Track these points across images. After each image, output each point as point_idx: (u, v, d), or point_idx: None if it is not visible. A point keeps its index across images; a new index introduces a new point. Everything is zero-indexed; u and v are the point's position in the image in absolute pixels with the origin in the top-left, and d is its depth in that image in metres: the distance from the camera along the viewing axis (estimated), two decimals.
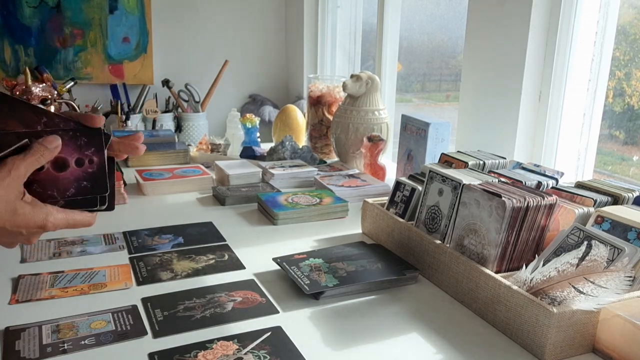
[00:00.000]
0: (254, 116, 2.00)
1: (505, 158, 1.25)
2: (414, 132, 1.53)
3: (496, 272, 0.87)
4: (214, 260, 1.07)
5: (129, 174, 1.62)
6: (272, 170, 1.60)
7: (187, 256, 1.08)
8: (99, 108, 2.36)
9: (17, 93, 2.18)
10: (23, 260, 1.04)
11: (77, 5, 2.37)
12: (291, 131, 2.02)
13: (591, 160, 1.35)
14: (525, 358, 0.77)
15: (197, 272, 1.01)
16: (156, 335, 0.80)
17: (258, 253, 1.11)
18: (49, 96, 2.21)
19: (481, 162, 1.22)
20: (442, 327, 0.85)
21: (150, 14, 2.46)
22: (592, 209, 0.93)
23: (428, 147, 1.47)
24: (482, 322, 0.86)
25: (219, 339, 0.79)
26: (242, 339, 0.79)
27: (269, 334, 0.81)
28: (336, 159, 1.88)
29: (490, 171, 1.16)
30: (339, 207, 1.34)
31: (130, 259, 1.07)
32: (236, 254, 1.10)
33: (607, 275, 0.75)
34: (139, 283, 0.97)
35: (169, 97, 2.46)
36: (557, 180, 1.08)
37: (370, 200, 1.22)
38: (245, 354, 0.76)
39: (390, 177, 1.63)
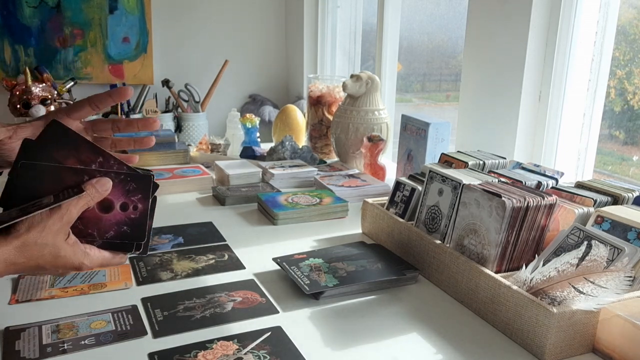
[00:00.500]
0: (254, 116, 2.00)
1: (505, 158, 1.25)
2: (414, 132, 1.53)
3: (496, 272, 0.87)
4: (214, 260, 1.07)
5: None
6: (272, 170, 1.60)
7: (187, 256, 1.08)
8: None
9: (17, 93, 2.18)
10: None
11: (77, 5, 2.37)
12: (291, 131, 2.02)
13: (591, 160, 1.35)
14: (525, 358, 0.77)
15: (197, 272, 1.01)
16: (156, 335, 0.80)
17: (258, 253, 1.11)
18: (49, 96, 2.21)
19: (481, 162, 1.22)
20: (442, 327, 0.85)
21: (150, 14, 2.47)
22: (592, 209, 0.93)
23: (428, 147, 1.47)
24: (482, 322, 0.86)
25: (219, 339, 0.79)
26: (242, 339, 0.79)
27: (269, 334, 0.81)
28: (336, 159, 1.88)
29: (490, 171, 1.16)
30: (339, 207, 1.34)
31: (130, 259, 1.07)
32: (236, 254, 1.10)
33: (607, 275, 0.75)
34: (139, 283, 0.97)
35: (169, 97, 2.47)
36: (557, 180, 1.08)
37: (370, 200, 1.22)
38: (245, 354, 0.76)
39: (390, 177, 1.63)
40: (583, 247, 0.77)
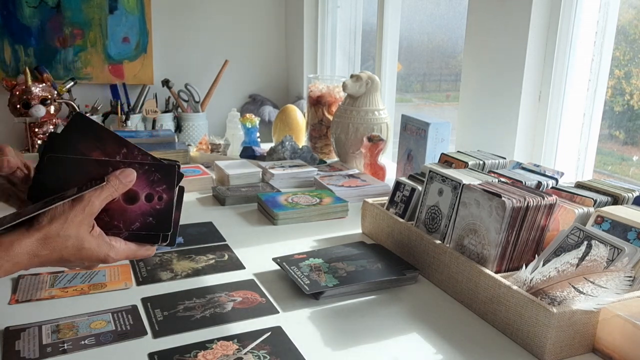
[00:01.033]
0: (253, 116, 2.00)
1: (505, 158, 1.25)
2: (414, 132, 1.53)
3: (496, 272, 0.87)
4: (214, 260, 1.07)
5: None
6: (272, 170, 1.60)
7: (187, 256, 1.08)
8: (98, 108, 2.36)
9: (17, 93, 2.18)
10: None
11: (77, 5, 2.37)
12: (291, 131, 2.02)
13: (591, 160, 1.35)
14: (525, 358, 0.77)
15: (197, 272, 1.01)
16: (156, 335, 0.80)
17: (258, 253, 1.11)
18: (49, 96, 2.21)
19: (481, 162, 1.22)
20: (442, 327, 0.85)
21: (150, 14, 2.47)
22: (592, 209, 0.93)
23: (428, 147, 1.47)
24: (482, 322, 0.86)
25: (219, 339, 0.79)
26: (242, 339, 0.79)
27: (268, 334, 0.81)
28: (336, 159, 1.88)
29: (490, 171, 1.16)
30: (339, 207, 1.34)
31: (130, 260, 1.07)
32: (236, 254, 1.10)
33: (607, 275, 0.75)
34: (138, 283, 0.97)
35: (169, 97, 2.47)
36: (557, 180, 1.08)
37: (370, 200, 1.22)
38: (245, 354, 0.76)
39: (390, 177, 1.63)
40: (583, 247, 0.77)
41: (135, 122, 2.35)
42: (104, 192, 0.66)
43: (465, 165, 1.21)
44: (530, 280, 0.80)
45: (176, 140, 2.00)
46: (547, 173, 1.12)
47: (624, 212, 0.88)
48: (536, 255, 0.87)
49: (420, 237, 1.03)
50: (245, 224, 1.29)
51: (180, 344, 0.78)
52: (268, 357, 0.75)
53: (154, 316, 0.85)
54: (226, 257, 1.09)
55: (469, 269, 0.90)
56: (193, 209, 1.40)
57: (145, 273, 1.00)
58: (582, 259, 0.76)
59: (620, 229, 0.86)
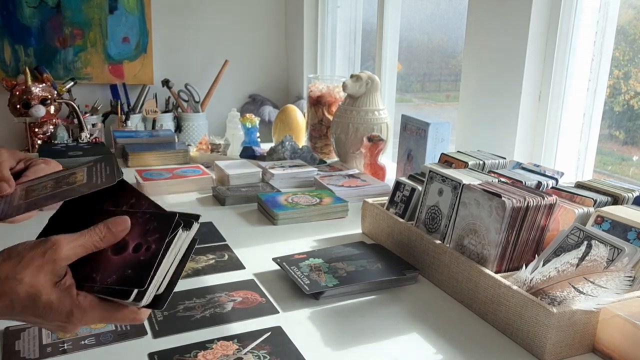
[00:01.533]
0: (253, 116, 2.00)
1: (505, 158, 1.25)
2: (414, 132, 1.53)
3: (496, 272, 0.87)
4: (214, 260, 1.07)
5: (129, 174, 1.62)
6: (272, 170, 1.60)
7: None
8: (98, 108, 2.36)
9: (17, 93, 2.18)
10: None
11: (77, 5, 2.37)
12: (291, 131, 2.02)
13: (591, 160, 1.35)
14: (525, 358, 0.77)
15: (197, 272, 1.01)
16: (156, 335, 0.80)
17: (258, 253, 1.11)
18: (49, 96, 2.21)
19: (481, 162, 1.22)
20: (442, 327, 0.85)
21: (150, 14, 2.47)
22: (592, 209, 0.93)
23: (428, 147, 1.47)
24: (482, 322, 0.86)
25: (219, 339, 0.79)
26: (242, 339, 0.79)
27: (269, 334, 0.81)
28: (336, 159, 1.88)
29: (490, 171, 1.16)
30: (339, 207, 1.34)
31: None
32: (236, 254, 1.10)
33: (607, 275, 0.75)
34: None
35: (169, 97, 2.47)
36: (557, 180, 1.08)
37: (370, 200, 1.22)
38: (245, 354, 0.76)
39: (390, 177, 1.63)
40: (583, 247, 0.77)
41: (135, 122, 2.35)
42: (80, 239, 0.55)
43: (465, 165, 1.21)
44: (530, 280, 0.80)
45: (176, 140, 2.00)
46: (547, 173, 1.12)
47: (624, 212, 0.88)
48: (536, 255, 0.87)
49: (420, 237, 1.03)
50: (245, 224, 1.29)
51: (180, 344, 0.78)
52: (268, 357, 0.75)
53: (154, 316, 0.85)
54: (226, 257, 1.09)
55: (469, 269, 0.90)
56: (193, 209, 1.40)
57: None
58: (582, 259, 0.76)
59: (620, 229, 0.86)
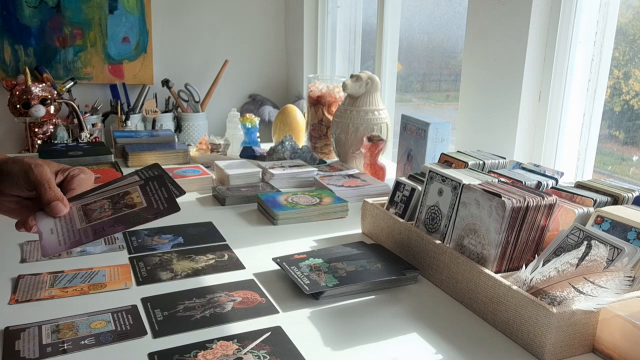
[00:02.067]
0: (253, 116, 2.00)
1: (505, 158, 1.25)
2: (414, 132, 1.53)
3: (496, 272, 0.87)
4: (213, 260, 1.07)
5: None
6: (272, 170, 1.60)
7: (186, 256, 1.08)
8: (98, 108, 2.36)
9: (17, 93, 2.18)
10: (23, 260, 1.04)
11: (77, 5, 2.37)
12: (291, 131, 2.02)
13: (591, 160, 1.35)
14: (525, 358, 0.77)
15: (197, 272, 1.01)
16: (156, 335, 0.80)
17: (258, 253, 1.11)
18: (49, 96, 2.21)
19: (481, 162, 1.22)
20: (442, 327, 0.85)
21: (150, 14, 2.47)
22: (592, 209, 0.93)
23: (428, 147, 1.47)
24: (482, 322, 0.86)
25: (218, 339, 0.79)
26: (242, 339, 0.79)
27: (268, 334, 0.81)
28: (336, 159, 1.88)
29: (490, 171, 1.16)
30: (338, 207, 1.34)
31: (130, 259, 1.07)
32: (236, 254, 1.10)
33: (607, 275, 0.75)
34: (138, 283, 0.97)
35: (169, 97, 2.47)
36: (557, 180, 1.08)
37: (370, 200, 1.22)
38: (245, 354, 0.76)
39: (390, 177, 1.63)
40: (583, 247, 0.77)
41: (135, 122, 2.35)
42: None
43: (465, 165, 1.21)
44: (530, 280, 0.80)
45: (176, 140, 2.00)
46: (547, 173, 1.12)
47: (624, 212, 0.88)
48: (536, 255, 0.87)
49: (420, 237, 1.03)
50: (245, 224, 1.29)
51: (180, 344, 0.78)
52: (268, 357, 0.75)
53: (153, 316, 0.85)
54: (226, 257, 1.09)
55: (469, 269, 0.90)
56: (193, 209, 1.40)
57: (145, 273, 1.00)
58: (582, 259, 0.76)
59: (620, 229, 0.86)
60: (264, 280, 0.99)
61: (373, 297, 0.94)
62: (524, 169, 1.18)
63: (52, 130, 2.23)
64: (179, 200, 0.70)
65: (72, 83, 2.31)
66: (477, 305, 0.88)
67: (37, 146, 2.21)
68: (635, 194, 0.97)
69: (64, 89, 2.28)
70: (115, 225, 0.66)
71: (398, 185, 1.17)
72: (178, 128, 2.42)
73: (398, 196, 1.16)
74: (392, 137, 1.82)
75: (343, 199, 1.37)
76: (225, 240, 1.17)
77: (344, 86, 1.72)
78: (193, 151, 1.95)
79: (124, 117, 2.30)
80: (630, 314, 0.73)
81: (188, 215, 1.34)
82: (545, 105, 1.37)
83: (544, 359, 0.75)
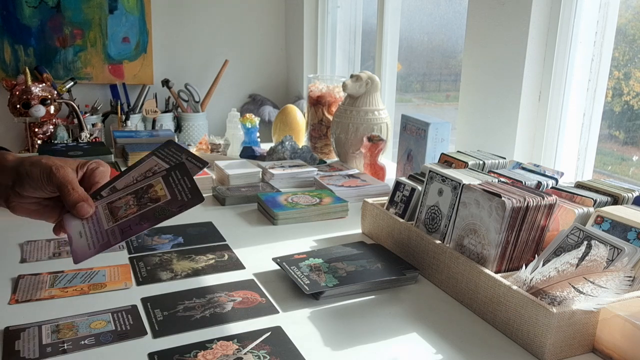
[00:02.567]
0: (253, 116, 2.00)
1: (505, 158, 1.25)
2: (414, 132, 1.53)
3: (496, 272, 0.87)
4: (213, 260, 1.07)
5: None
6: (272, 170, 1.60)
7: (186, 256, 1.08)
8: (98, 108, 2.36)
9: (17, 93, 2.18)
10: (23, 260, 1.04)
11: (77, 5, 2.37)
12: (291, 131, 2.02)
13: (591, 160, 1.35)
14: (525, 358, 0.77)
15: (196, 272, 1.01)
16: (156, 335, 0.80)
17: (258, 253, 1.11)
18: (49, 96, 2.21)
19: (481, 162, 1.22)
20: (442, 327, 0.85)
21: (150, 14, 2.47)
22: (592, 209, 0.93)
23: (428, 147, 1.47)
24: (482, 322, 0.86)
25: (218, 339, 0.79)
26: (242, 339, 0.79)
27: (268, 334, 0.81)
28: (336, 159, 1.88)
29: (490, 171, 1.16)
30: (338, 207, 1.34)
31: (130, 259, 1.07)
32: (236, 254, 1.10)
33: (607, 275, 0.75)
34: (138, 283, 0.97)
35: (169, 97, 2.47)
36: (557, 180, 1.08)
37: (370, 200, 1.22)
38: (245, 354, 0.76)
39: (390, 177, 1.63)
40: (583, 247, 0.77)
41: (135, 122, 2.35)
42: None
43: (465, 165, 1.21)
44: (530, 280, 0.80)
45: (176, 140, 2.00)
46: (547, 173, 1.12)
47: (624, 212, 0.88)
48: (536, 255, 0.87)
49: (420, 237, 1.03)
50: (245, 224, 1.29)
51: (180, 344, 0.78)
52: (268, 357, 0.75)
53: (153, 316, 0.85)
54: (226, 257, 1.09)
55: (469, 269, 0.90)
56: (193, 208, 1.39)
57: (145, 273, 1.00)
58: (582, 259, 0.76)
59: (620, 229, 0.86)
60: (264, 280, 0.99)
61: (373, 297, 0.94)
62: (524, 169, 1.18)
63: (52, 130, 2.23)
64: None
65: (72, 83, 2.31)
66: (477, 305, 0.88)
67: (37, 146, 2.21)
68: (635, 194, 0.97)
69: (64, 89, 2.28)
70: (141, 222, 0.65)
71: (398, 185, 1.17)
72: (178, 128, 2.42)
73: (398, 196, 1.16)
74: (392, 137, 1.82)
75: (343, 199, 1.37)
76: (225, 240, 1.17)
77: (344, 86, 1.72)
78: (193, 151, 1.95)
79: (124, 117, 2.30)
80: (630, 314, 0.73)
81: (188, 215, 1.33)
82: (545, 105, 1.37)
83: (544, 359, 0.75)
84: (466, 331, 0.84)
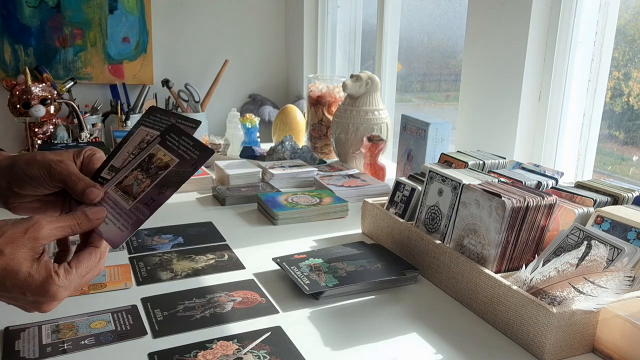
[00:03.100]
0: (253, 116, 2.00)
1: (505, 158, 1.25)
2: (414, 132, 1.53)
3: (496, 272, 0.87)
4: (213, 260, 1.07)
5: None
6: (272, 170, 1.60)
7: (186, 256, 1.08)
8: (98, 108, 2.36)
9: (17, 93, 2.18)
10: None
11: (77, 5, 2.37)
12: (291, 131, 2.02)
13: (591, 160, 1.35)
14: (525, 358, 0.77)
15: (196, 272, 1.01)
16: (156, 335, 0.80)
17: (258, 253, 1.11)
18: (49, 96, 2.21)
19: (481, 162, 1.22)
20: (442, 327, 0.85)
21: (150, 14, 2.47)
22: (592, 209, 0.93)
23: (428, 147, 1.47)
24: (482, 322, 0.86)
25: (218, 339, 0.79)
26: (242, 339, 0.79)
27: (268, 334, 0.81)
28: (336, 159, 1.88)
29: (490, 171, 1.16)
30: (338, 207, 1.34)
31: (130, 258, 1.07)
32: (236, 254, 1.10)
33: (607, 275, 0.75)
34: (138, 283, 0.97)
35: (169, 97, 2.47)
36: (557, 180, 1.08)
37: (370, 200, 1.22)
38: (245, 354, 0.76)
39: (390, 177, 1.63)
40: (583, 247, 0.77)
41: (135, 122, 2.34)
42: (60, 221, 0.59)
43: (465, 165, 1.21)
44: (530, 280, 0.80)
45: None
46: (547, 173, 1.12)
47: (624, 212, 0.88)
48: (536, 255, 0.87)
49: (420, 237, 1.03)
50: (245, 224, 1.29)
51: (180, 344, 0.78)
52: (268, 357, 0.75)
53: (153, 316, 0.85)
54: (226, 257, 1.09)
55: (469, 269, 0.90)
56: (193, 209, 1.40)
57: (145, 273, 1.00)
58: (582, 259, 0.76)
59: (620, 229, 0.86)
60: (264, 280, 0.99)
61: (373, 297, 0.94)
62: (524, 169, 1.18)
63: (52, 130, 2.23)
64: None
65: (72, 83, 2.31)
66: (477, 305, 0.88)
67: (37, 146, 2.21)
68: (635, 194, 0.97)
69: (64, 89, 2.28)
70: (162, 190, 0.63)
71: (398, 185, 1.17)
72: None
73: (398, 196, 1.16)
74: (392, 137, 1.82)
75: (343, 199, 1.37)
76: (225, 240, 1.17)
77: (344, 86, 1.72)
78: None
79: (124, 117, 2.30)
80: (630, 314, 0.73)
81: (188, 215, 1.34)
82: (545, 105, 1.37)
83: (544, 359, 0.75)
84: (466, 331, 0.84)
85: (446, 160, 1.27)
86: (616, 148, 1.36)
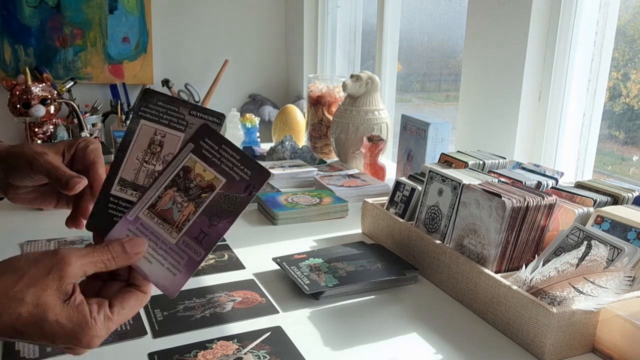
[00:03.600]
0: (253, 116, 2.00)
1: (505, 158, 1.25)
2: (414, 132, 1.53)
3: (496, 272, 0.87)
4: (213, 260, 1.07)
5: None
6: (272, 170, 1.60)
7: None
8: (98, 108, 2.36)
9: (17, 93, 2.18)
10: None
11: (77, 5, 2.37)
12: (291, 131, 2.02)
13: (591, 160, 1.35)
14: (525, 358, 0.77)
15: (196, 272, 1.01)
16: (156, 335, 0.80)
17: (258, 253, 1.11)
18: (49, 96, 2.21)
19: (481, 162, 1.22)
20: (442, 327, 0.85)
21: (150, 14, 2.47)
22: (592, 209, 0.93)
23: (428, 147, 1.47)
24: (482, 322, 0.86)
25: (218, 339, 0.79)
26: (242, 339, 0.79)
27: (268, 334, 0.81)
28: (336, 159, 1.88)
29: (490, 171, 1.16)
30: (338, 207, 1.34)
31: None
32: (236, 253, 1.10)
33: (607, 275, 0.75)
34: None
35: None
36: (557, 180, 1.08)
37: (370, 200, 1.22)
38: (245, 354, 0.76)
39: (390, 177, 1.63)
40: (583, 247, 0.77)
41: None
42: (91, 255, 0.50)
43: (465, 165, 1.21)
44: (530, 280, 0.80)
45: None
46: (547, 173, 1.12)
47: (624, 212, 0.88)
48: (536, 255, 0.87)
49: (420, 237, 1.03)
50: (245, 224, 1.29)
51: (180, 344, 0.78)
52: (268, 357, 0.75)
53: (154, 316, 0.85)
54: (226, 257, 1.09)
55: (469, 269, 0.90)
56: None
57: None
58: (582, 259, 0.76)
59: (620, 229, 0.86)
60: (264, 280, 0.99)
61: (373, 297, 0.94)
62: (524, 169, 1.18)
63: (52, 130, 2.23)
64: None
65: (72, 83, 2.31)
66: (477, 305, 0.88)
67: None
68: (635, 194, 0.97)
69: (64, 89, 2.28)
70: (212, 223, 0.50)
71: (398, 185, 1.17)
72: None
73: (398, 196, 1.16)
74: (392, 137, 1.82)
75: (343, 199, 1.37)
76: (225, 240, 1.17)
77: (344, 86, 1.72)
78: None
79: (124, 117, 2.30)
80: (630, 314, 0.73)
81: None
82: (545, 105, 1.37)
83: (544, 359, 0.75)
84: (466, 331, 0.84)
85: (446, 160, 1.27)
86: (616, 148, 1.36)
